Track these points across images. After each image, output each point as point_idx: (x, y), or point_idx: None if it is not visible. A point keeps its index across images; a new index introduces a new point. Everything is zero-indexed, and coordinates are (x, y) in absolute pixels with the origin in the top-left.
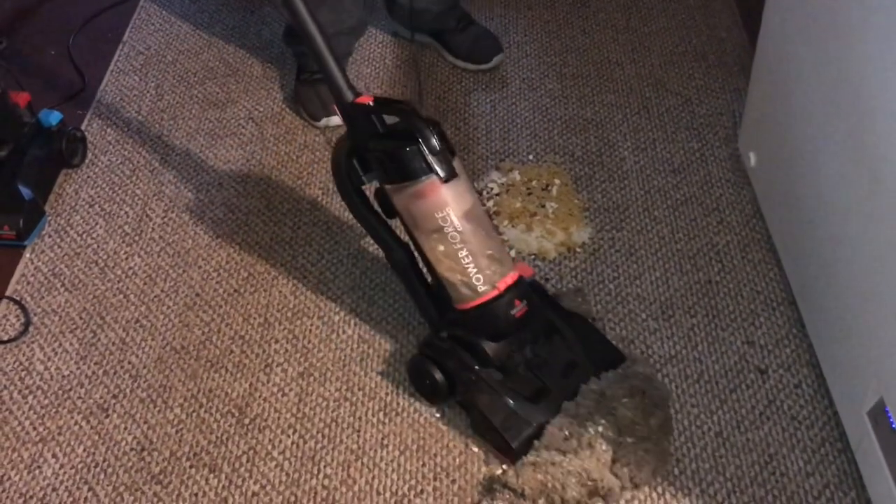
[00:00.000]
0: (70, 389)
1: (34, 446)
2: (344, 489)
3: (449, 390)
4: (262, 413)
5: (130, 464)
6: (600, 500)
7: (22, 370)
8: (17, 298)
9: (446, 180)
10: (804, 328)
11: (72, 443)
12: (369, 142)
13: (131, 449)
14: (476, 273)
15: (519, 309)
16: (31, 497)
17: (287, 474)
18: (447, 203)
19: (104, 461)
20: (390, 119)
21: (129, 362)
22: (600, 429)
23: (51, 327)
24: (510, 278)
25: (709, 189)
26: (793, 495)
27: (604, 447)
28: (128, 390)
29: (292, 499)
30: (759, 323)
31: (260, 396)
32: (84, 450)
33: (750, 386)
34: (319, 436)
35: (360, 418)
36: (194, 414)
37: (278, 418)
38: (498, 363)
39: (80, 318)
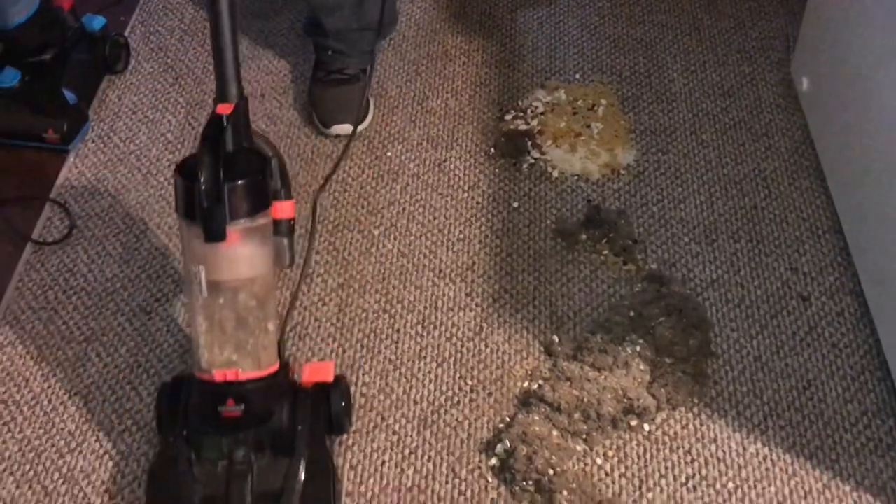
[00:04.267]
0: (113, 292)
1: (78, 345)
2: (382, 397)
3: (160, 430)
4: (302, 321)
5: (172, 366)
6: (635, 417)
7: (66, 272)
8: (62, 202)
9: (206, 240)
10: (849, 256)
11: (115, 343)
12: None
13: (174, 351)
14: (203, 347)
15: (229, 410)
16: (76, 394)
17: None
18: (201, 262)
19: (147, 362)
20: None
21: (172, 267)
22: (637, 348)
23: (94, 231)
24: (241, 374)
25: (758, 114)
26: (829, 421)
27: (641, 367)
28: (170, 294)
29: None
30: (804, 250)
31: (300, 305)
32: (127, 350)
33: (791, 312)
34: (358, 346)
35: (398, 330)
36: None
37: (318, 327)
38: (198, 444)
39: (124, 222)
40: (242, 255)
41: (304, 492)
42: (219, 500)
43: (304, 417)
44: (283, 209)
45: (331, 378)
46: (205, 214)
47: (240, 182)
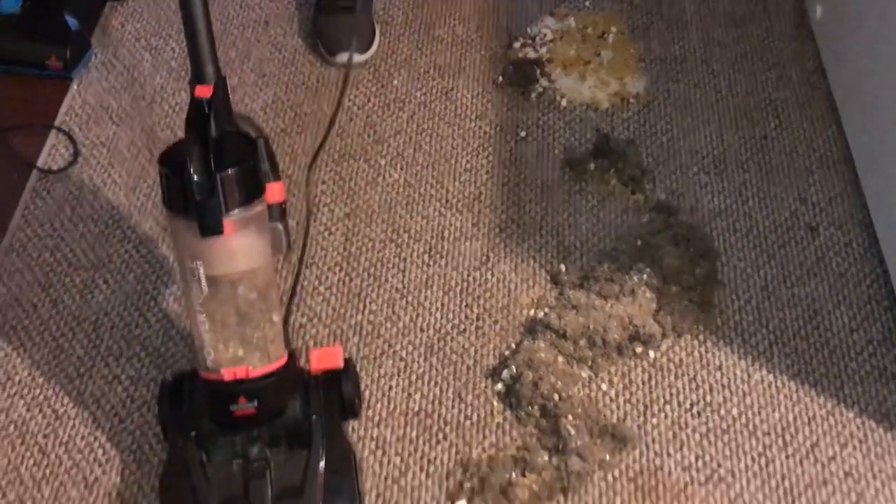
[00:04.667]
0: (120, 220)
1: (86, 272)
2: (388, 325)
3: (165, 434)
4: (308, 250)
5: (181, 293)
6: (641, 345)
7: (72, 199)
8: (66, 129)
9: (202, 235)
10: (859, 187)
11: (122, 271)
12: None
13: (181, 279)
14: (209, 346)
15: (242, 408)
16: (84, 321)
17: (333, 309)
18: (198, 257)
19: (154, 290)
20: None
21: None
22: (644, 277)
23: (99, 159)
24: (250, 371)
25: (770, 43)
26: (835, 349)
27: (647, 295)
28: None
29: (338, 332)
30: (813, 180)
31: (307, 235)
32: (134, 277)
33: (799, 243)
34: (365, 274)
35: (405, 259)
36: None
37: (325, 256)
38: (211, 446)
39: (129, 150)
40: (241, 246)
41: (326, 483)
42: (238, 500)
43: (317, 407)
44: (273, 192)
45: (340, 364)
46: (199, 208)
47: (232, 170)
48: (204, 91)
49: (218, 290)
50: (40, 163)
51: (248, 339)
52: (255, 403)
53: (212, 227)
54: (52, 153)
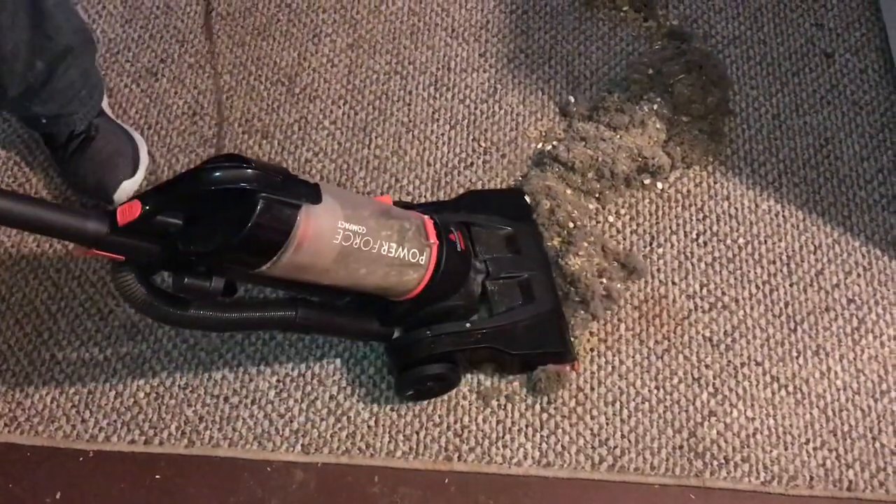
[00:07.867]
0: (118, 52)
1: None
2: (395, 159)
3: (458, 374)
4: (311, 83)
5: (183, 127)
6: (649, 176)
7: None
8: None
9: (317, 200)
10: (878, 11)
11: (123, 104)
12: (182, 245)
13: (183, 113)
14: (407, 251)
15: (460, 241)
16: None
17: (339, 143)
18: (336, 218)
19: (157, 124)
20: None
21: (175, 27)
22: (655, 107)
23: None
24: (427, 224)
25: None
26: (844, 178)
27: (657, 125)
28: (175, 55)
29: (345, 166)
30: (831, 4)
31: (309, 66)
32: (136, 112)
33: (814, 70)
34: (370, 108)
35: (410, 92)
36: (244, 81)
37: (328, 89)
38: (473, 305)
39: None
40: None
41: (504, 211)
42: (525, 287)
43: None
44: None
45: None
46: (296, 188)
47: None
48: (129, 211)
49: (359, 218)
50: None
51: (391, 217)
52: (453, 228)
53: (315, 189)
54: None
